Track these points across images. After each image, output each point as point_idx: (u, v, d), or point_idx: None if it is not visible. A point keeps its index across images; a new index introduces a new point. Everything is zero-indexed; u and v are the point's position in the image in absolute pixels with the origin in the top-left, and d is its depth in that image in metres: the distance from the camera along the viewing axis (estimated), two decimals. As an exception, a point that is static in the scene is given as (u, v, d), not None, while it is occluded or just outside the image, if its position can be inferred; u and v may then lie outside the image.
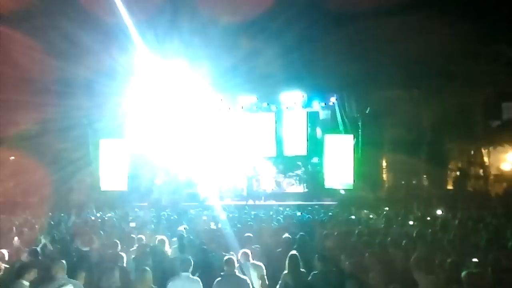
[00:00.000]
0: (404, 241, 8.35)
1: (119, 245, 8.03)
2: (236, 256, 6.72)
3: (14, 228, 11.29)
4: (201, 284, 6.08)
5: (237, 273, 6.23)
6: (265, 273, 6.75)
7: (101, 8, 19.78)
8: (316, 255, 6.74)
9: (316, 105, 20.87)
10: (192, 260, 6.41)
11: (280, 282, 6.50)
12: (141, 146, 22.21)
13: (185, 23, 21.15)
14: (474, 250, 7.25)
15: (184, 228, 10.40)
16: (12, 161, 22.39)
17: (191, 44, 20.79)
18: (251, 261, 6.77)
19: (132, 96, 21.30)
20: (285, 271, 6.48)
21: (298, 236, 8.41)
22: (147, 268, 5.96)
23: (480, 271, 5.69)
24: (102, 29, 20.33)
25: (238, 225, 10.68)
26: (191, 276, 6.14)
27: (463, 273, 5.52)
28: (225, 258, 6.36)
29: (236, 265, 6.33)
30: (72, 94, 20.35)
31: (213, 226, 11.21)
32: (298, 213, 14.09)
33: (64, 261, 6.10)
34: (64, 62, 20.34)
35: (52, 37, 20.07)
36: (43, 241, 9.29)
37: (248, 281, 6.21)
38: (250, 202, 19.20)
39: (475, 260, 6.42)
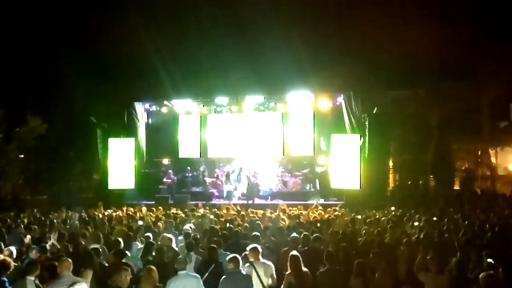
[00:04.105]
0: (410, 241, 8.38)
1: (121, 243, 8.12)
2: (244, 254, 6.78)
3: (22, 225, 11.40)
4: (200, 280, 6.14)
5: (242, 271, 6.29)
6: (274, 272, 6.79)
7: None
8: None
9: (323, 105, 20.86)
10: (187, 259, 6.46)
11: (284, 281, 6.58)
12: (150, 144, 22.38)
13: (189, 24, 21.28)
14: (481, 251, 7.24)
15: (190, 227, 10.48)
16: (21, 159, 22.55)
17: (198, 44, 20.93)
18: (261, 259, 6.79)
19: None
20: (288, 271, 6.55)
21: (302, 235, 8.46)
22: (152, 267, 6.01)
23: (495, 273, 5.70)
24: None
25: (245, 224, 10.73)
26: (190, 272, 6.19)
27: (481, 275, 5.52)
28: (229, 256, 6.43)
29: (241, 262, 6.38)
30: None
31: (220, 224, 11.26)
32: (304, 212, 14.12)
33: (70, 260, 6.18)
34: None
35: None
36: (52, 238, 9.39)
37: (253, 278, 6.26)
38: (251, 201, 19.30)
39: (490, 260, 6.40)
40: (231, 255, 6.41)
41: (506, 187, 20.96)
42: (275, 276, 6.78)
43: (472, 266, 6.69)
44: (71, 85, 20.85)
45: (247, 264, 6.57)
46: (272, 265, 6.83)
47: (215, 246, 7.36)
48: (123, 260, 7.10)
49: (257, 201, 19.70)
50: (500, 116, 21.95)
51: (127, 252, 7.76)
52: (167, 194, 20.57)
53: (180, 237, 9.42)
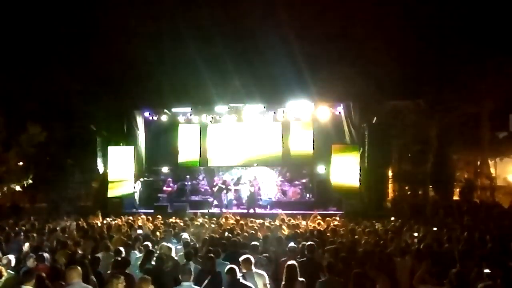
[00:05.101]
0: (410, 252, 8.35)
1: (123, 252, 8.08)
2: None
3: (22, 234, 11.36)
4: None
5: (241, 280, 6.24)
6: (267, 282, 6.74)
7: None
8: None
9: (323, 115, 20.89)
10: (192, 269, 6.42)
11: None
12: (149, 153, 22.40)
13: (189, 33, 21.34)
14: (481, 262, 7.22)
15: (189, 236, 10.44)
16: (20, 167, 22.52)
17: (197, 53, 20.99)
18: (254, 269, 6.76)
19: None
20: (283, 282, 6.51)
21: (300, 245, 8.42)
22: (147, 277, 5.95)
23: (493, 283, 5.68)
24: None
25: (244, 234, 10.70)
26: (193, 285, 6.15)
27: (480, 285, 5.51)
28: (227, 267, 6.39)
29: (239, 274, 6.34)
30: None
31: (219, 234, 11.22)
32: (304, 222, 14.08)
33: (79, 267, 6.14)
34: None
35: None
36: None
37: None
38: (252, 210, 19.27)
39: (487, 271, 6.38)
40: (228, 266, 6.39)
41: (506, 198, 20.94)
42: (268, 286, 6.75)
43: (472, 278, 6.66)
44: (71, 93, 20.89)
45: (240, 275, 6.53)
46: (266, 275, 6.81)
47: (212, 255, 7.33)
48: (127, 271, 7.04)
49: (257, 210, 19.64)
50: (500, 127, 21.93)
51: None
52: (166, 202, 20.53)
53: (179, 246, 9.39)
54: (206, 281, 6.53)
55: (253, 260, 6.85)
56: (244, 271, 6.61)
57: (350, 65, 19.84)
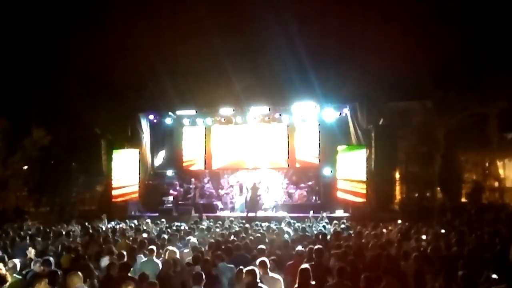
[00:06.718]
0: (418, 255, 8.21)
1: (125, 256, 8.00)
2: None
3: (28, 238, 11.30)
4: None
5: (259, 284, 6.12)
6: (283, 286, 6.62)
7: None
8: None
9: (329, 116, 20.79)
10: (203, 273, 6.35)
11: None
12: (154, 156, 22.35)
13: (193, 35, 21.35)
14: (489, 264, 7.08)
15: (196, 240, 10.35)
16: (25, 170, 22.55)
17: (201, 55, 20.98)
18: (270, 273, 6.64)
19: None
20: (296, 285, 6.37)
21: (307, 249, 8.30)
22: (154, 281, 5.89)
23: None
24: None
25: (250, 237, 10.59)
26: None
27: None
28: (247, 268, 6.27)
29: (258, 276, 6.22)
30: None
31: (224, 237, 11.12)
32: (309, 225, 13.97)
33: (79, 272, 6.09)
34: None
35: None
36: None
37: None
38: (251, 214, 19.12)
39: (494, 276, 6.24)
40: (249, 268, 6.27)
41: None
42: None
43: (481, 281, 6.52)
44: (76, 97, 20.88)
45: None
46: (281, 280, 6.66)
47: (207, 258, 7.36)
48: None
49: (262, 213, 19.49)
50: (508, 127, 21.71)
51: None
52: (171, 206, 20.41)
53: (186, 250, 9.31)
54: (202, 283, 6.47)
55: (269, 263, 6.74)
56: (260, 273, 6.49)
57: (356, 65, 19.74)
